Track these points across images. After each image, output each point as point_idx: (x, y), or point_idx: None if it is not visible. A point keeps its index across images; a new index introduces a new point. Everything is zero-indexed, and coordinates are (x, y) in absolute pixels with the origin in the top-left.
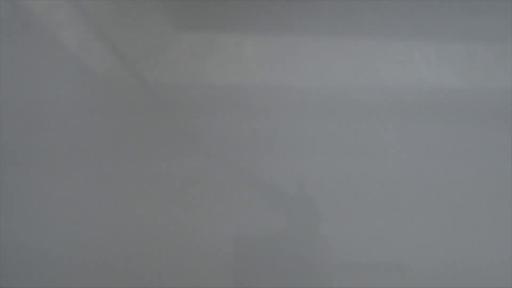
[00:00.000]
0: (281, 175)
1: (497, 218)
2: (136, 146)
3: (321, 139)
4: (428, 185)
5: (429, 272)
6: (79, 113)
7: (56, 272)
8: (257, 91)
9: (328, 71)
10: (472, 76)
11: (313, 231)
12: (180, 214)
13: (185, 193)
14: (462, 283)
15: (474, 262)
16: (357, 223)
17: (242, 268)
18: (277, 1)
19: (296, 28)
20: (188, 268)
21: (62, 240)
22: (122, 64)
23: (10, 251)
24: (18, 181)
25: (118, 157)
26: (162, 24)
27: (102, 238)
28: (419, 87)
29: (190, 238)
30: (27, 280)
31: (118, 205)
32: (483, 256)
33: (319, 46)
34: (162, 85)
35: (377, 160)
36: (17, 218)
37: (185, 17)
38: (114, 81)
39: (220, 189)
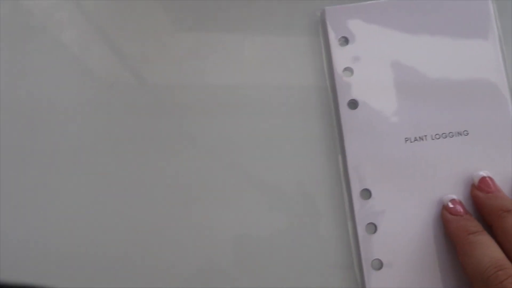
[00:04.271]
0: (281, 174)
1: None
2: (136, 146)
3: (320, 139)
4: None
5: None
6: (78, 113)
7: (56, 272)
8: (257, 91)
9: (326, 72)
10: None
11: (313, 231)
12: (179, 214)
13: (184, 193)
14: None
15: None
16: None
17: (242, 268)
18: (278, 1)
19: (296, 28)
20: (188, 268)
21: (62, 240)
22: (122, 65)
23: (10, 251)
24: (18, 181)
25: (118, 157)
26: (162, 24)
27: (102, 237)
28: None
29: (189, 237)
30: (27, 280)
31: (117, 205)
32: None
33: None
34: (162, 85)
35: None
36: (17, 217)
37: (185, 17)
38: (114, 81)
39: (220, 189)
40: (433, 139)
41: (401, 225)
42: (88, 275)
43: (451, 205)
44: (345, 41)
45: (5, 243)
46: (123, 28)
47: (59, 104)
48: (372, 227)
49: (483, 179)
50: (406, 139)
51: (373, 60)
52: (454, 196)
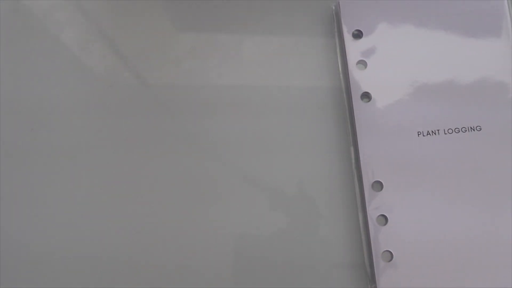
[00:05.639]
0: (281, 175)
1: None
2: (136, 146)
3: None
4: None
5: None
6: (79, 113)
7: (56, 273)
8: (257, 91)
9: (327, 71)
10: None
11: (313, 231)
12: (179, 214)
13: (184, 193)
14: None
15: None
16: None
17: (242, 268)
18: (278, 1)
19: (296, 28)
20: (187, 268)
21: (62, 240)
22: (122, 64)
23: (10, 251)
24: (18, 181)
25: (118, 157)
26: (162, 24)
27: (101, 236)
28: None
29: (189, 238)
30: (27, 281)
31: (117, 205)
32: None
33: (318, 46)
34: (162, 85)
35: None
36: (17, 218)
37: (185, 17)
38: (114, 81)
39: (220, 189)
40: (445, 134)
41: (412, 218)
42: (88, 275)
43: None
44: (358, 34)
45: (5, 242)
46: (123, 28)
47: (59, 104)
48: (383, 219)
49: None
50: (419, 133)
51: (387, 54)
52: None
